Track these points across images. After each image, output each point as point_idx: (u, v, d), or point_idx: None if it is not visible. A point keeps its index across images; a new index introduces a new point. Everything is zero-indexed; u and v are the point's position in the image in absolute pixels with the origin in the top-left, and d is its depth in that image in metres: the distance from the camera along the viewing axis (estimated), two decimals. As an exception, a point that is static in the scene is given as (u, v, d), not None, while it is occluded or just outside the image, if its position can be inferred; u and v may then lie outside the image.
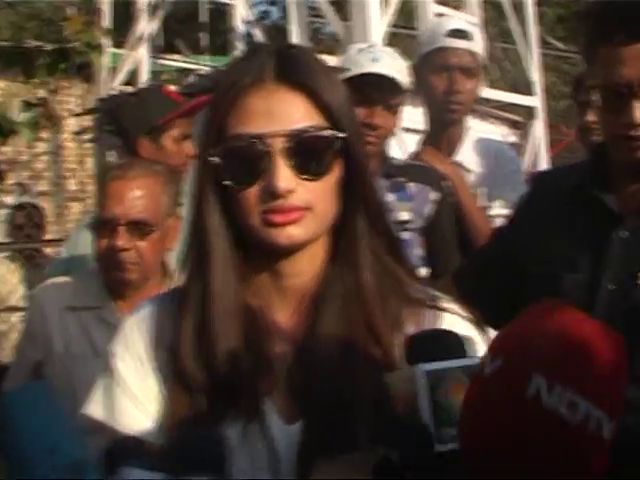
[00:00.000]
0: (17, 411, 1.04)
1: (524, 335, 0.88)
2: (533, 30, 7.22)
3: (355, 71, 3.18)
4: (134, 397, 1.50)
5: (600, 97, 2.20)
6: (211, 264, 1.46)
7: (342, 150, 1.42)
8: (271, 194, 1.37)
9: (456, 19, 4.16)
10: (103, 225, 2.74)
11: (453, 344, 1.10)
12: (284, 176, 1.37)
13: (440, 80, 3.55)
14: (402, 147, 5.39)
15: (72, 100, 8.29)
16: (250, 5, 8.55)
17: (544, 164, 7.02)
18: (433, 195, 3.30)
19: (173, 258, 2.95)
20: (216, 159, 1.41)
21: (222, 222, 1.46)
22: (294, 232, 1.40)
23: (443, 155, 3.56)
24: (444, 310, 1.49)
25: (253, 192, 1.39)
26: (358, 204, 1.45)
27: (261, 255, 1.47)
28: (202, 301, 1.46)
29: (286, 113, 1.39)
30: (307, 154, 1.39)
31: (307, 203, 1.40)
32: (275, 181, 1.36)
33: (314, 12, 8.71)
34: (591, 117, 3.50)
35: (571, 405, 0.81)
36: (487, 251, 2.71)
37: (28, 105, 6.51)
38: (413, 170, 3.35)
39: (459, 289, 2.46)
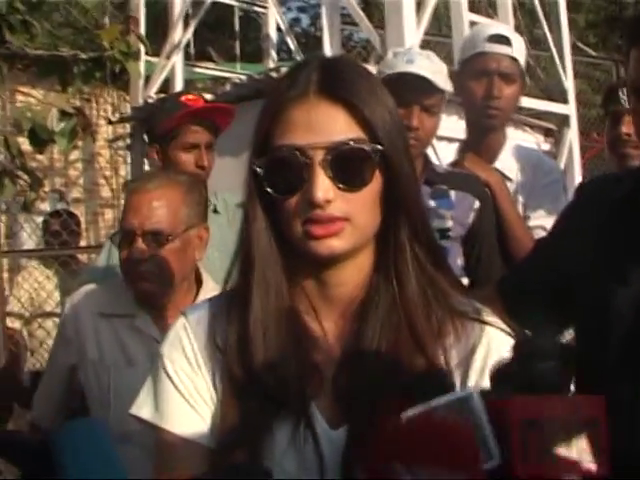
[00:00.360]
0: (67, 453, 1.07)
1: (389, 450, 1.04)
2: (566, 37, 7.21)
3: (390, 72, 3.20)
4: (184, 398, 1.53)
5: (631, 101, 2.16)
6: (255, 270, 1.51)
7: (382, 163, 1.46)
8: (310, 204, 1.42)
9: (497, 25, 4.16)
10: (124, 236, 2.78)
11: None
12: (323, 186, 1.41)
13: (479, 85, 3.54)
14: (436, 155, 5.41)
15: (107, 108, 8.34)
16: (282, 15, 8.55)
17: (577, 172, 7.00)
18: (476, 204, 3.28)
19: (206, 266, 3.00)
20: (260, 169, 1.46)
21: (267, 230, 1.51)
22: (334, 244, 1.44)
23: (484, 161, 3.55)
24: (487, 323, 1.53)
25: (294, 202, 1.45)
26: (400, 215, 1.49)
27: (307, 264, 1.51)
28: (245, 306, 1.51)
29: (327, 126, 1.43)
30: (346, 166, 1.43)
31: (346, 214, 1.44)
32: (314, 191, 1.41)
33: (346, 19, 8.72)
34: (625, 128, 3.49)
35: None
36: (531, 263, 2.67)
37: (64, 114, 6.56)
38: (456, 178, 3.33)
39: (502, 301, 2.47)
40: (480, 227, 3.28)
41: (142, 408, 1.56)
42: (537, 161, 3.68)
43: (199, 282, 2.93)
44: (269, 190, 1.47)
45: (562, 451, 1.05)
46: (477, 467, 1.04)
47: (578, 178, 6.56)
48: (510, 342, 1.46)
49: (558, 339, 1.19)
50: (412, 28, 5.54)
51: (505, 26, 4.32)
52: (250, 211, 1.52)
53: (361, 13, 6.15)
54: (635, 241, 2.22)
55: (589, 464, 1.06)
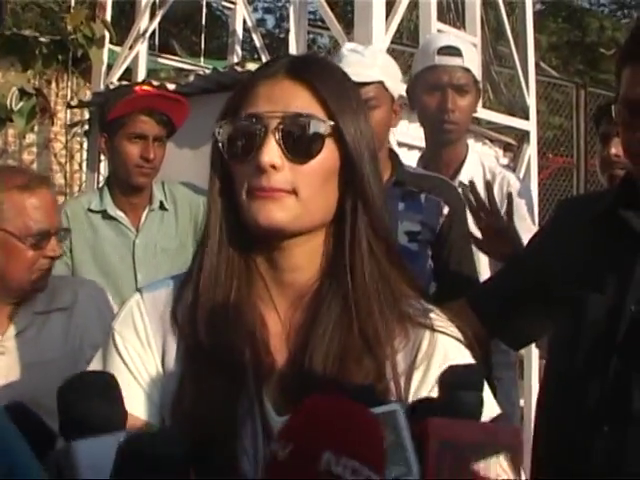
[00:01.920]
0: None
1: (309, 422, 1.06)
2: (531, 54, 7.26)
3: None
4: (132, 375, 1.54)
5: (620, 115, 2.24)
6: (207, 244, 1.55)
7: (336, 141, 1.50)
8: (257, 167, 1.46)
9: (447, 36, 4.13)
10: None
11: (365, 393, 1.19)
12: (271, 151, 1.45)
13: (433, 99, 3.54)
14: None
15: (67, 93, 8.26)
16: (250, 12, 8.51)
17: (534, 188, 7.04)
18: (445, 209, 3.24)
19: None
20: (220, 135, 1.51)
21: (222, 202, 1.55)
22: (275, 212, 1.46)
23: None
24: (439, 332, 1.54)
25: (244, 167, 1.49)
26: (357, 202, 1.52)
27: (261, 245, 1.54)
28: (194, 283, 1.54)
29: (286, 99, 1.49)
30: (296, 136, 1.47)
31: (291, 184, 1.47)
32: (261, 155, 1.45)
33: (312, 22, 8.72)
34: (614, 150, 3.51)
35: (354, 471, 1.01)
36: (506, 274, 2.71)
37: (24, 94, 6.50)
38: (427, 181, 3.29)
39: (476, 311, 2.51)
40: (449, 233, 3.24)
41: None
42: (500, 173, 3.67)
43: None
44: (222, 151, 1.51)
45: (477, 473, 1.09)
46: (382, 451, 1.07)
47: (535, 194, 6.59)
48: (460, 347, 1.53)
49: (482, 371, 1.24)
50: (381, 33, 5.53)
51: (455, 35, 4.31)
52: (210, 181, 1.57)
53: (331, 14, 6.13)
54: (611, 252, 2.28)
55: None
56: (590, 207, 2.42)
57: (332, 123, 1.49)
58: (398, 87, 3.31)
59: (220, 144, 1.51)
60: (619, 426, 2.13)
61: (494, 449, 1.10)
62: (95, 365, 1.59)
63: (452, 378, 1.19)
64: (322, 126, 1.48)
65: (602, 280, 2.27)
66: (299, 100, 1.49)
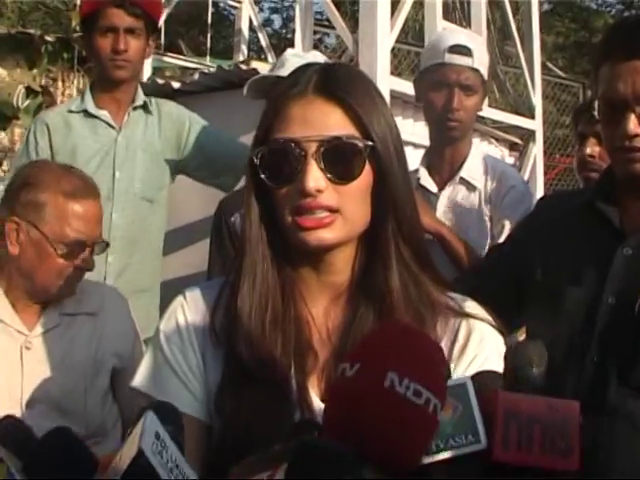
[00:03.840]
0: None
1: (377, 344, 1.14)
2: (537, 53, 7.26)
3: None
4: (175, 372, 1.62)
5: (601, 113, 2.31)
6: (245, 257, 1.61)
7: (373, 159, 1.54)
8: (301, 193, 1.51)
9: (458, 34, 4.11)
10: None
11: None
12: (314, 176, 1.50)
13: (439, 96, 3.52)
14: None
15: (73, 92, 8.27)
16: (256, 11, 8.52)
17: (539, 188, 7.04)
18: None
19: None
20: (257, 159, 1.55)
21: (259, 219, 1.61)
22: (324, 235, 1.53)
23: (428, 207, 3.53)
24: (474, 318, 1.62)
25: (286, 192, 1.53)
26: (388, 212, 1.57)
27: (300, 252, 1.60)
28: (233, 292, 1.60)
29: (321, 121, 1.52)
30: (337, 159, 1.51)
31: (336, 204, 1.53)
32: (306, 180, 1.49)
33: (318, 22, 8.72)
34: (589, 150, 3.52)
35: (416, 393, 1.08)
36: (486, 267, 2.74)
37: (30, 92, 6.52)
38: None
39: None
40: None
41: (138, 380, 1.65)
42: (501, 173, 3.64)
43: None
44: (264, 178, 1.55)
45: (537, 444, 1.14)
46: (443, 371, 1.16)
47: (540, 193, 6.59)
48: (494, 332, 1.61)
49: (544, 349, 1.26)
50: (386, 31, 5.53)
51: (466, 35, 4.29)
52: (246, 201, 1.61)
53: (337, 13, 6.14)
54: (589, 245, 2.34)
55: (561, 458, 1.16)
56: (570, 202, 2.48)
57: (369, 143, 1.52)
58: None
59: (259, 169, 1.55)
60: (596, 417, 2.16)
61: (554, 422, 1.16)
62: (143, 366, 1.66)
63: (520, 355, 1.24)
64: (361, 147, 1.52)
65: (580, 273, 2.32)
66: (333, 120, 1.52)
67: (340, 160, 1.51)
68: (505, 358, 1.25)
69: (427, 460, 1.13)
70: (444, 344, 1.56)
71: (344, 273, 1.61)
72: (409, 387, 1.08)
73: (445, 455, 1.14)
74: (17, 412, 2.62)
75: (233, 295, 1.60)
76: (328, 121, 1.52)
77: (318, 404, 1.52)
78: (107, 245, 2.93)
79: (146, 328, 2.95)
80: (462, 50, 3.53)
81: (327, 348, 1.59)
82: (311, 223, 1.52)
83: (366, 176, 1.54)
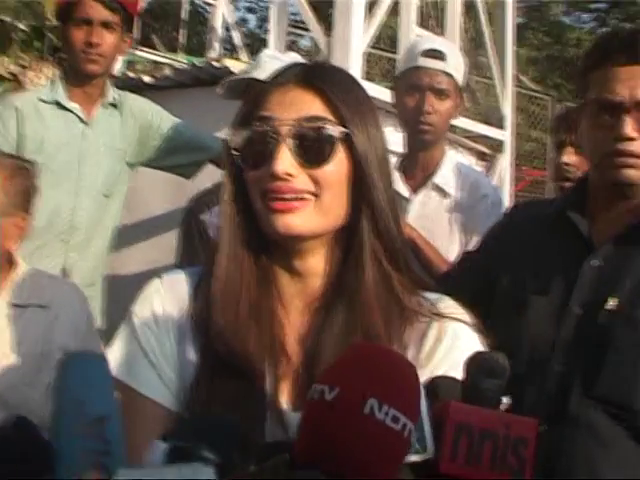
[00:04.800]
0: (69, 374, 1.10)
1: (355, 367, 1.11)
2: (509, 64, 7.29)
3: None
4: (149, 359, 1.57)
5: (592, 116, 2.28)
6: (221, 246, 1.58)
7: (347, 147, 1.51)
8: (271, 175, 1.48)
9: (434, 39, 4.14)
10: None
11: None
12: (284, 159, 1.47)
13: (412, 100, 3.53)
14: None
15: (43, 81, 8.21)
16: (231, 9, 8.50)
17: (507, 198, 7.07)
18: None
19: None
20: (233, 141, 1.54)
21: (239, 207, 1.57)
22: (293, 221, 1.50)
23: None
24: (448, 318, 1.58)
25: (259, 174, 1.51)
26: (364, 206, 1.54)
27: (277, 251, 1.57)
28: (209, 282, 1.57)
29: (297, 105, 1.51)
30: (308, 141, 1.49)
31: (309, 189, 1.50)
32: (275, 163, 1.47)
33: (293, 23, 8.70)
34: (566, 158, 3.53)
35: (394, 419, 1.07)
36: (455, 275, 2.73)
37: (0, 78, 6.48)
38: None
39: None
40: None
41: (112, 365, 1.55)
42: (474, 181, 3.66)
43: (11, 264, 2.84)
44: (238, 160, 1.53)
45: (487, 459, 1.13)
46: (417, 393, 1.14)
47: (506, 205, 6.61)
48: (469, 331, 1.58)
49: (505, 360, 1.24)
50: (359, 35, 5.53)
51: (443, 41, 4.31)
52: (223, 188, 1.59)
53: (311, 15, 6.13)
54: (558, 255, 2.34)
55: (510, 475, 1.14)
56: (541, 211, 2.48)
57: (343, 129, 1.50)
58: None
59: (233, 151, 1.54)
60: (557, 427, 2.17)
61: (507, 439, 1.14)
62: (115, 349, 1.60)
63: (477, 364, 1.22)
64: (334, 130, 1.49)
65: (547, 282, 2.32)
66: (310, 106, 1.51)
67: (312, 143, 1.49)
68: (465, 366, 1.23)
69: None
70: (410, 351, 1.54)
71: (318, 277, 1.58)
72: (388, 413, 1.07)
73: None
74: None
75: (209, 280, 1.56)
76: (304, 107, 1.51)
77: (289, 412, 1.50)
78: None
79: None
80: (436, 54, 3.54)
81: (299, 353, 1.56)
82: (280, 206, 1.49)
83: (341, 166, 1.51)
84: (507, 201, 7.02)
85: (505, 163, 7.01)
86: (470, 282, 2.53)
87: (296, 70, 1.57)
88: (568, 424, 2.17)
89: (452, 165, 3.65)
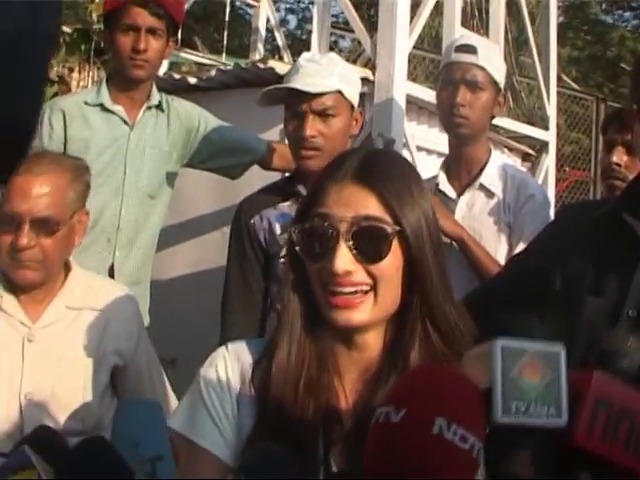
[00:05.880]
0: (125, 416, 1.17)
1: (421, 388, 1.13)
2: (553, 64, 7.24)
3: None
4: (211, 417, 1.70)
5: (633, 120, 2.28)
6: (282, 326, 1.72)
7: (402, 243, 1.64)
8: (331, 272, 1.61)
9: (469, 36, 4.15)
10: (7, 220, 2.66)
11: (533, 328, 1.24)
12: (343, 257, 1.60)
13: (446, 94, 3.60)
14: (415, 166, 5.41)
15: (88, 83, 8.27)
16: (273, 10, 8.50)
17: (551, 199, 7.03)
18: None
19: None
20: (295, 234, 1.67)
21: (299, 290, 1.71)
22: (353, 316, 1.63)
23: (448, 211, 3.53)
24: None
25: (319, 268, 1.64)
26: (416, 294, 1.65)
27: (337, 332, 1.70)
28: (271, 356, 1.70)
29: (355, 204, 1.63)
30: (366, 239, 1.61)
31: (367, 282, 1.62)
32: (335, 261, 1.61)
33: (334, 24, 8.70)
34: (615, 158, 3.51)
35: (462, 438, 1.07)
36: (505, 278, 2.72)
37: (47, 81, 6.50)
38: None
39: (472, 312, 2.53)
40: None
41: (176, 420, 1.72)
42: (521, 182, 3.66)
43: (67, 269, 2.87)
44: (299, 252, 1.66)
45: (622, 439, 1.11)
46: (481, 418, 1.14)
47: (552, 204, 6.58)
48: None
49: None
50: (404, 36, 5.52)
51: (478, 37, 4.32)
52: (285, 272, 1.74)
53: (355, 15, 6.12)
54: (612, 256, 2.32)
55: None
56: (592, 212, 2.46)
57: (397, 228, 1.61)
58: (357, 94, 3.35)
59: (295, 245, 1.67)
60: None
61: None
62: (182, 407, 1.75)
63: (614, 346, 1.23)
64: (388, 229, 1.61)
65: (601, 283, 2.31)
66: (366, 205, 1.62)
67: (369, 241, 1.60)
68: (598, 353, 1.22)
69: (504, 419, 1.12)
70: None
71: (373, 350, 1.70)
72: (456, 433, 1.08)
73: (522, 421, 1.12)
74: (16, 404, 2.63)
75: (271, 358, 1.69)
76: (361, 205, 1.62)
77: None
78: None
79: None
80: (468, 49, 3.59)
81: (352, 419, 1.65)
82: (341, 302, 1.62)
83: (396, 259, 1.63)
84: (552, 201, 6.99)
85: (549, 164, 6.96)
86: (522, 284, 2.52)
87: (352, 166, 1.66)
88: None
89: (498, 165, 3.65)
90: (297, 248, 1.67)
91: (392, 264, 1.64)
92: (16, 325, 2.72)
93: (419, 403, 1.11)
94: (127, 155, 3.83)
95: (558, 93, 8.02)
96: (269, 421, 1.63)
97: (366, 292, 1.63)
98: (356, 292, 1.62)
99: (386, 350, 1.70)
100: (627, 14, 24.23)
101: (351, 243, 1.60)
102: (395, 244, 1.63)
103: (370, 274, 1.62)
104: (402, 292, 1.67)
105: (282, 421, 1.61)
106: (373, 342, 1.70)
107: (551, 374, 1.13)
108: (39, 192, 2.65)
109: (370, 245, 1.61)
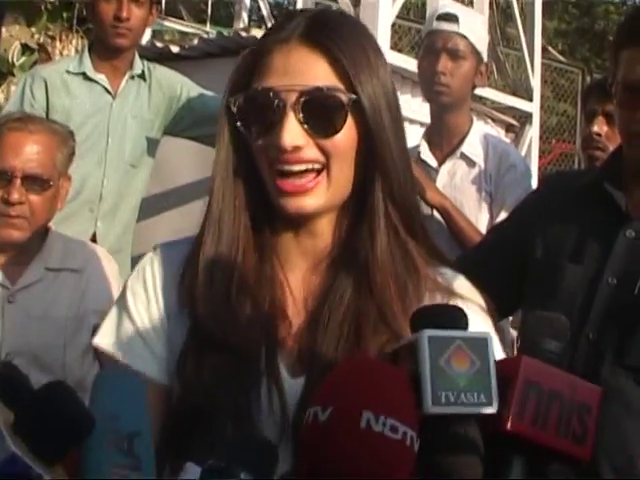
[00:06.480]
0: (103, 389, 1.10)
1: (346, 384, 1.10)
2: (538, 36, 7.24)
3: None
4: (140, 334, 1.52)
5: (619, 96, 2.28)
6: (211, 209, 1.49)
7: (357, 114, 1.42)
8: (278, 147, 1.40)
9: (451, 5, 4.15)
10: None
11: (458, 318, 1.18)
12: (292, 131, 1.39)
13: (427, 63, 3.59)
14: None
15: (71, 52, 8.23)
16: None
17: (534, 171, 7.04)
18: None
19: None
20: (235, 107, 1.44)
21: (237, 169, 1.49)
22: (305, 203, 1.43)
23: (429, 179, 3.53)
24: (462, 299, 1.49)
25: (264, 144, 1.42)
26: (376, 172, 1.45)
27: (282, 216, 1.48)
28: (198, 247, 1.48)
29: (303, 71, 1.41)
30: (317, 111, 1.40)
31: (318, 159, 1.42)
32: (282, 135, 1.39)
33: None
34: (596, 128, 3.51)
35: (393, 428, 1.05)
36: (487, 245, 2.73)
37: (27, 49, 6.48)
38: None
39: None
40: None
41: (104, 338, 1.55)
42: (503, 151, 3.66)
43: (45, 232, 2.89)
44: (240, 128, 1.45)
45: (553, 422, 1.10)
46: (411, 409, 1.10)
47: (534, 176, 6.59)
48: (483, 318, 1.50)
49: (568, 323, 1.21)
50: (387, 5, 5.52)
51: (461, 6, 4.31)
52: (218, 149, 1.50)
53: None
54: (592, 225, 2.33)
55: (574, 445, 1.11)
56: (574, 182, 2.47)
57: (353, 96, 1.41)
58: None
59: (236, 119, 1.45)
60: None
61: (572, 403, 1.11)
62: (108, 323, 1.56)
63: (538, 323, 1.20)
64: (343, 99, 1.41)
65: (581, 251, 2.32)
66: (316, 71, 1.41)
67: (320, 112, 1.40)
68: (523, 328, 1.21)
69: (434, 410, 1.09)
70: None
71: (326, 238, 1.50)
72: (385, 424, 1.05)
73: (452, 410, 1.09)
74: (-5, 363, 2.63)
75: (198, 252, 1.48)
76: (310, 71, 1.41)
77: (287, 379, 1.43)
78: (47, 184, 2.79)
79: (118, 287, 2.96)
80: (449, 17, 3.59)
81: (302, 317, 1.48)
82: (291, 187, 1.42)
83: (351, 133, 1.43)
84: (535, 173, 7.00)
85: (533, 135, 6.98)
86: (502, 252, 2.54)
87: (300, 24, 1.44)
88: None
89: (480, 135, 3.65)
90: (238, 123, 1.44)
91: (347, 138, 1.42)
92: None
93: (345, 399, 1.08)
94: (109, 125, 3.80)
95: (544, 65, 8.03)
96: (201, 327, 1.44)
97: (318, 172, 1.42)
98: (306, 171, 1.42)
99: (341, 239, 1.50)
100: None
101: (300, 115, 1.39)
102: (350, 115, 1.42)
103: (322, 150, 1.41)
104: (358, 172, 1.46)
105: (214, 324, 1.42)
106: (325, 229, 1.50)
107: (480, 362, 1.10)
108: (31, 149, 2.69)
109: (322, 117, 1.40)
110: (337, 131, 1.41)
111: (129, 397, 1.07)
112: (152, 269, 1.54)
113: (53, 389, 1.03)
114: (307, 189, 1.42)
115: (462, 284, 1.54)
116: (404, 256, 1.48)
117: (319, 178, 1.42)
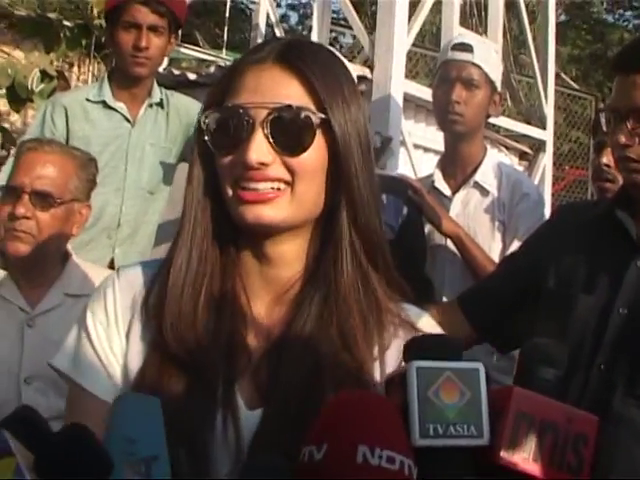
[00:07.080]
0: (122, 412, 1.10)
1: (338, 420, 1.09)
2: (551, 63, 7.27)
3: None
4: (97, 355, 1.49)
5: (607, 123, 2.35)
6: (183, 230, 1.48)
7: (326, 134, 1.42)
8: (244, 164, 1.39)
9: (466, 35, 4.19)
10: (9, 193, 2.77)
11: (451, 348, 1.18)
12: (258, 147, 1.38)
13: (442, 92, 3.62)
14: (411, 163, 5.45)
15: (88, 78, 8.29)
16: (274, 6, 8.52)
17: (547, 199, 7.06)
18: (405, 209, 3.33)
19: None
20: (205, 124, 1.44)
21: (207, 190, 1.48)
22: (264, 212, 1.40)
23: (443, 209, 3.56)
24: (418, 330, 1.48)
25: (230, 161, 1.42)
26: (342, 197, 1.44)
27: (247, 238, 1.48)
28: (167, 268, 1.47)
29: (275, 90, 1.41)
30: (286, 129, 1.40)
31: (284, 177, 1.41)
32: (249, 151, 1.38)
33: (334, 21, 8.72)
34: (605, 159, 3.53)
35: (389, 460, 1.04)
36: (499, 276, 2.74)
37: (46, 76, 6.53)
38: (384, 180, 3.30)
39: (466, 313, 2.56)
40: (405, 233, 3.30)
41: (60, 359, 1.55)
42: (516, 180, 3.67)
43: (66, 258, 2.92)
44: (208, 143, 1.44)
45: (546, 453, 1.09)
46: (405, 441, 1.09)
47: (548, 204, 6.61)
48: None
49: (564, 350, 1.22)
50: (403, 34, 5.55)
51: (475, 36, 4.36)
52: (190, 168, 1.50)
53: (354, 13, 6.15)
54: (604, 254, 2.35)
55: (568, 476, 1.10)
56: (586, 212, 2.50)
57: (323, 116, 1.41)
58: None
59: (205, 134, 1.44)
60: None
61: (567, 433, 1.10)
62: (67, 343, 1.55)
63: (535, 351, 1.20)
64: (312, 118, 1.40)
65: (593, 281, 2.33)
66: (287, 90, 1.41)
67: (289, 130, 1.39)
68: (521, 355, 1.20)
69: (422, 442, 1.09)
70: (392, 356, 1.46)
71: (292, 267, 1.48)
72: (382, 456, 1.04)
73: (441, 443, 1.09)
74: (14, 388, 2.67)
75: (168, 268, 1.46)
76: (281, 90, 1.41)
77: (244, 411, 1.40)
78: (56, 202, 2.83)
79: None
80: (464, 47, 3.62)
81: (262, 347, 1.45)
82: (251, 196, 1.39)
83: (318, 154, 1.42)
84: (548, 201, 7.02)
85: (546, 162, 6.99)
86: (516, 283, 2.55)
87: (275, 47, 1.45)
88: (611, 422, 2.16)
89: (493, 163, 3.67)
90: (206, 138, 1.44)
91: (315, 159, 1.41)
92: (15, 311, 2.77)
93: (339, 436, 1.06)
94: (128, 152, 3.85)
95: (557, 92, 8.05)
96: (162, 346, 1.41)
97: (285, 186, 1.41)
98: (271, 189, 1.40)
99: (307, 269, 1.48)
100: (628, 13, 24.24)
101: (268, 131, 1.38)
102: (319, 136, 1.41)
103: (289, 168, 1.40)
104: (327, 197, 1.45)
105: (176, 344, 1.40)
106: (289, 256, 1.48)
107: (470, 393, 1.10)
108: (43, 169, 2.75)
109: (290, 134, 1.39)
110: (305, 149, 1.41)
111: (148, 421, 1.06)
112: (113, 290, 1.52)
113: (71, 435, 1.03)
114: (267, 199, 1.40)
115: (426, 322, 1.54)
116: (366, 286, 1.47)
117: (280, 192, 1.41)
